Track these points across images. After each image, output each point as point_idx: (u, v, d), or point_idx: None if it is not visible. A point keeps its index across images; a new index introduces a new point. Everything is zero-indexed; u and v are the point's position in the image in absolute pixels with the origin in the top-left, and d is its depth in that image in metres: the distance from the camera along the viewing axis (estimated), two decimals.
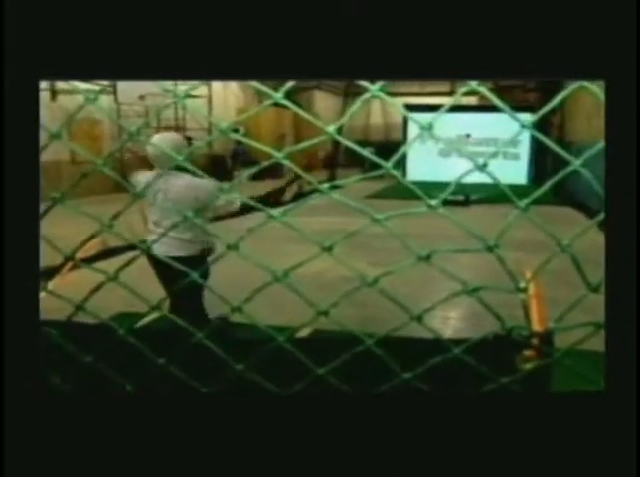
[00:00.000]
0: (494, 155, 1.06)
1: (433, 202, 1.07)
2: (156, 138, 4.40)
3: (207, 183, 4.12)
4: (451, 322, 5.65)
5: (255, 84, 1.11)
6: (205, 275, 3.94)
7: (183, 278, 1.24)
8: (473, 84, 1.08)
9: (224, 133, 1.10)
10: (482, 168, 1.05)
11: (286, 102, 1.09)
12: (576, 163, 1.06)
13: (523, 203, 1.07)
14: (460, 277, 1.10)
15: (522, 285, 1.11)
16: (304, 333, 4.92)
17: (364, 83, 1.11)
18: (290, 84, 1.13)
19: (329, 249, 1.09)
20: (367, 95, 1.10)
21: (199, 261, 4.13)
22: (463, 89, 1.09)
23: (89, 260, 7.11)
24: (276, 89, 1.07)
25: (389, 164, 1.05)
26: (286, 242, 6.87)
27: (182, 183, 4.10)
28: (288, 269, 1.13)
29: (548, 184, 1.13)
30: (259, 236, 1.13)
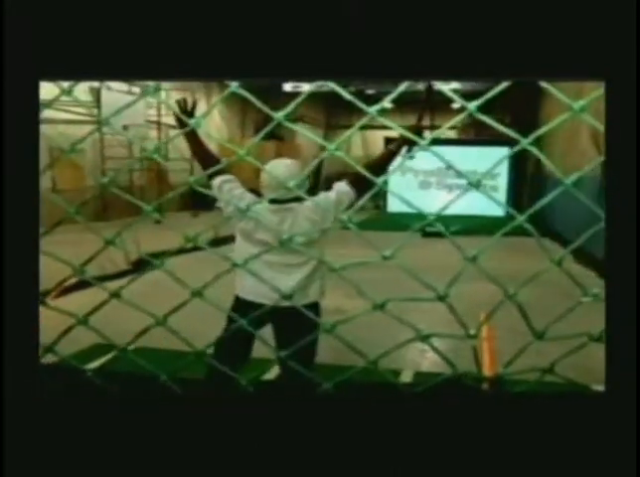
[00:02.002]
0: (478, 182, 1.09)
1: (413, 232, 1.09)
2: (271, 165, 3.56)
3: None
4: (428, 355, 5.65)
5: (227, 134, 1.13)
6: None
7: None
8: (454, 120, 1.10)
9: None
10: (476, 185, 1.08)
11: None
12: (568, 183, 1.08)
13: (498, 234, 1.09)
14: (417, 323, 1.12)
15: (472, 332, 1.14)
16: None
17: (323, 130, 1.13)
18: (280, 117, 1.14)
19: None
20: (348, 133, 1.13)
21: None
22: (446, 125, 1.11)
23: (74, 288, 7.08)
24: (259, 122, 1.09)
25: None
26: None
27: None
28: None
29: (525, 215, 1.15)
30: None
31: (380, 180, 1.10)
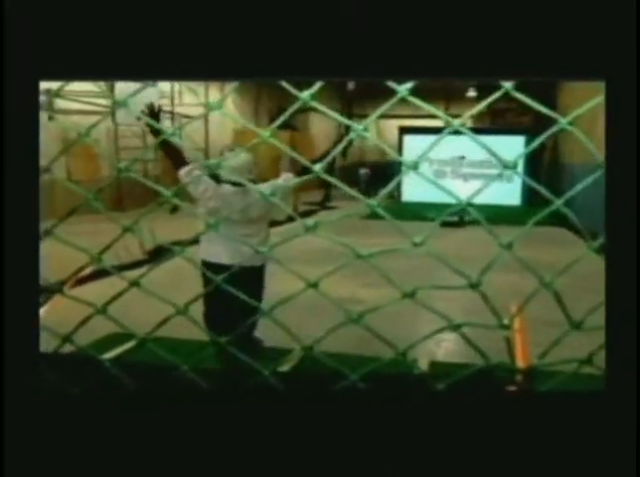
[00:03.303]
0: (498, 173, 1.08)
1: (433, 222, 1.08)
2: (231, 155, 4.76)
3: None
4: (444, 344, 5.64)
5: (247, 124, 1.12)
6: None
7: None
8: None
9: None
10: (513, 167, 1.06)
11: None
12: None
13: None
14: (448, 312, 1.10)
15: (505, 322, 1.12)
16: (299, 351, 4.93)
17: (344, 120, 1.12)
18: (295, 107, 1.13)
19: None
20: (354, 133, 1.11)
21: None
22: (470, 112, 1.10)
23: (90, 278, 7.11)
24: (273, 111, 1.08)
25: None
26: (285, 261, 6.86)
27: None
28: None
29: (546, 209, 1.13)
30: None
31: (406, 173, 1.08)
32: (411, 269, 6.93)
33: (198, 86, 18.91)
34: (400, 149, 22.16)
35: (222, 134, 21.64)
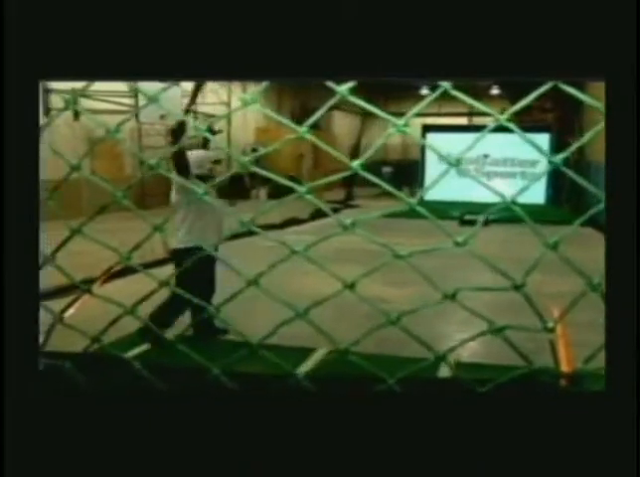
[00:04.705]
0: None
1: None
2: (194, 153, 5.32)
3: None
4: (467, 345, 5.58)
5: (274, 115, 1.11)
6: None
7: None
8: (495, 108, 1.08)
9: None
10: (562, 164, 1.05)
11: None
12: None
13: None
14: (486, 314, 1.08)
15: (550, 324, 1.11)
16: (319, 354, 4.91)
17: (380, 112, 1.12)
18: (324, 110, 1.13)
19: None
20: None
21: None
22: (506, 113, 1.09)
23: (110, 277, 7.15)
24: (296, 110, 1.08)
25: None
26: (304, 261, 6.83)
27: None
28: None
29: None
30: (275, 254, 1.14)
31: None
32: (434, 269, 6.88)
33: (220, 86, 18.99)
34: (422, 147, 22.05)
35: (244, 133, 21.72)
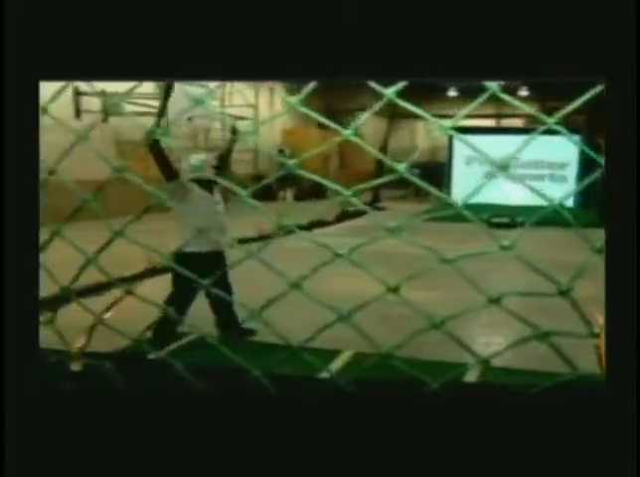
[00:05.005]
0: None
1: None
2: (193, 157, 5.38)
3: None
4: (493, 348, 5.53)
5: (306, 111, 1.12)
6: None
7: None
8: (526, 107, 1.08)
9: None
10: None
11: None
12: None
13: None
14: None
15: (596, 330, 1.10)
16: (346, 356, 4.90)
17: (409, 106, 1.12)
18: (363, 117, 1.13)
19: (395, 290, 1.08)
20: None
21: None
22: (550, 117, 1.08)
23: (139, 277, 7.18)
24: (322, 111, 1.08)
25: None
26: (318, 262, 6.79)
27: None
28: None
29: None
30: (297, 256, 1.13)
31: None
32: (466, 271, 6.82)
33: (246, 88, 19.08)
34: (450, 149, 21.95)
35: (271, 135, 21.79)
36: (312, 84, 1.13)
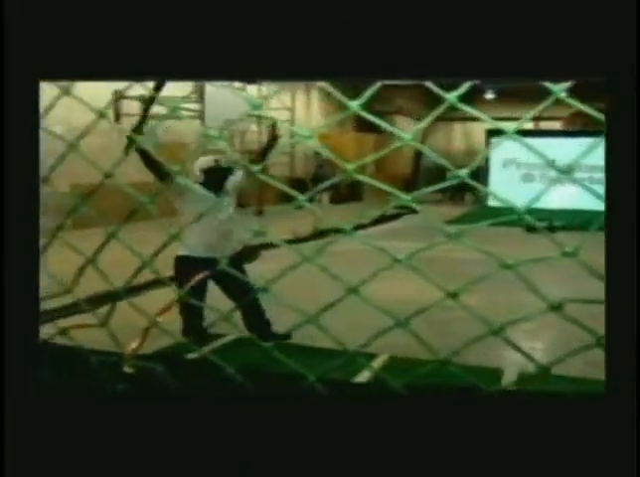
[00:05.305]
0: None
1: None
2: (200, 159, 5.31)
3: None
4: (536, 354, 5.45)
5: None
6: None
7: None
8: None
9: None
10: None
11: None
12: None
13: None
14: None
15: None
16: (381, 359, 4.88)
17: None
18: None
19: (454, 295, 1.07)
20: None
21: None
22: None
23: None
24: (358, 115, 1.07)
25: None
26: (362, 266, 6.70)
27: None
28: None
29: None
30: (333, 259, 1.13)
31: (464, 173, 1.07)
32: (503, 276, 6.74)
33: (283, 91, 19.16)
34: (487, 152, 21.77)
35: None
36: (375, 87, 1.13)
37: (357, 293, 1.08)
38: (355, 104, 1.05)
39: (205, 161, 5.16)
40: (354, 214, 12.82)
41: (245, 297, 4.74)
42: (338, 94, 1.13)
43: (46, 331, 1.54)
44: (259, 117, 17.75)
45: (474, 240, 1.13)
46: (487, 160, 21.54)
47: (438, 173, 25.18)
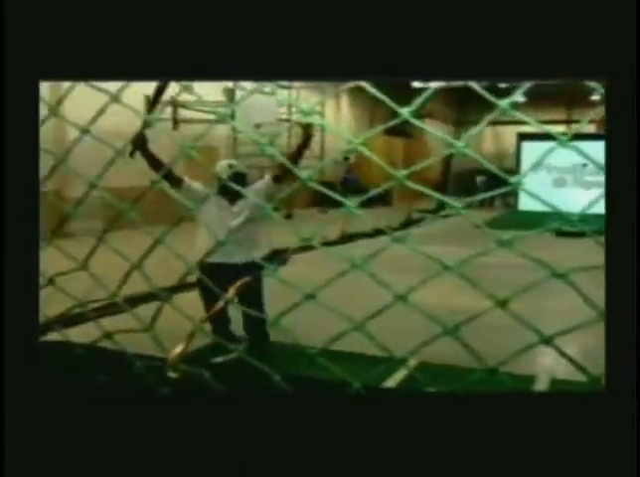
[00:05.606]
0: None
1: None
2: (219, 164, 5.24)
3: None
4: (564, 360, 5.35)
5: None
6: None
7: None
8: (592, 113, 1.08)
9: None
10: None
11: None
12: None
13: None
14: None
15: None
16: (411, 364, 4.85)
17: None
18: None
19: (503, 303, 1.06)
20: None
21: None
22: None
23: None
24: (389, 117, 1.08)
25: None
26: (387, 271, 6.69)
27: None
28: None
29: None
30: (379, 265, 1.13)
31: (514, 179, 1.07)
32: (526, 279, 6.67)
33: (312, 95, 19.18)
34: (518, 155, 21.58)
35: (336, 142, 21.84)
36: (428, 93, 1.13)
37: (405, 300, 1.08)
38: (405, 111, 1.06)
39: (219, 166, 5.08)
40: (384, 218, 12.75)
41: (255, 304, 4.71)
42: (386, 99, 1.14)
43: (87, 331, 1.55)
44: (290, 121, 17.80)
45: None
46: (518, 164, 21.34)
47: (470, 177, 25.03)
